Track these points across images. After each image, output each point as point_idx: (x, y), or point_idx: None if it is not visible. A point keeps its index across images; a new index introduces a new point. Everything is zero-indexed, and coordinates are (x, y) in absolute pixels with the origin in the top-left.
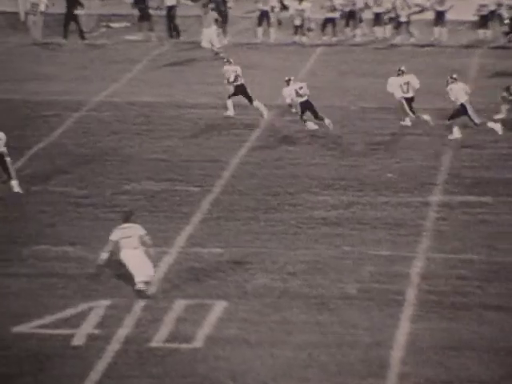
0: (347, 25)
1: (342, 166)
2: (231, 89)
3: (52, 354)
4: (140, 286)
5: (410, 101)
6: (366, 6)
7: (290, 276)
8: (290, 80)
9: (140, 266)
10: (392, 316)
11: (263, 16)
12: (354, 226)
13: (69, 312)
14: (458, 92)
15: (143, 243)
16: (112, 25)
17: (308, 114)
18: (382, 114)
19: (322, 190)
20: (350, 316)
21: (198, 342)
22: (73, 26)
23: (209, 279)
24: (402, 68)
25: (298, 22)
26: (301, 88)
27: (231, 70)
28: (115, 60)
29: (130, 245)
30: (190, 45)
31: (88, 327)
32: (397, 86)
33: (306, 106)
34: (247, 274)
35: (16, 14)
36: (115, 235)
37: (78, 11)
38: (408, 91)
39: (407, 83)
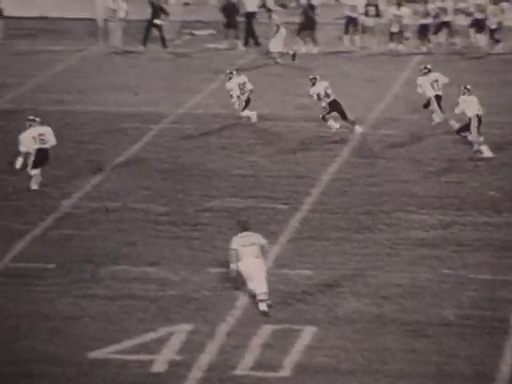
0: (437, 32)
1: (440, 182)
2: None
3: (131, 381)
4: (263, 308)
5: (439, 98)
6: (466, 12)
7: (383, 300)
8: (315, 79)
9: (260, 279)
10: (495, 345)
11: (350, 23)
12: (453, 247)
13: (148, 337)
14: (470, 104)
15: (263, 253)
16: (195, 32)
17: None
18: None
19: (419, 208)
20: (448, 344)
21: (285, 371)
22: (154, 32)
23: (297, 303)
24: (428, 66)
25: (395, 29)
26: (327, 87)
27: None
28: (198, 69)
29: (252, 253)
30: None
31: (169, 353)
32: (427, 85)
33: (335, 106)
34: (338, 297)
35: (93, 20)
36: (236, 243)
37: (160, 21)
38: (438, 89)
39: (436, 81)
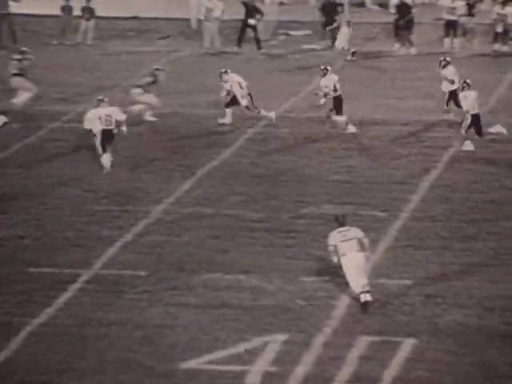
0: None
1: None
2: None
3: None
4: (366, 298)
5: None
6: None
7: (487, 312)
8: (326, 70)
9: (362, 273)
10: None
11: (449, 26)
12: None
13: (242, 347)
14: (469, 100)
15: (362, 247)
16: (291, 32)
17: None
18: None
19: None
20: None
21: None
22: (249, 33)
23: (396, 314)
24: (448, 58)
25: (499, 29)
26: (337, 82)
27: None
28: (294, 71)
29: (353, 248)
30: (375, 54)
31: (263, 364)
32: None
33: (338, 102)
34: (439, 308)
35: (187, 20)
36: (334, 239)
37: (254, 21)
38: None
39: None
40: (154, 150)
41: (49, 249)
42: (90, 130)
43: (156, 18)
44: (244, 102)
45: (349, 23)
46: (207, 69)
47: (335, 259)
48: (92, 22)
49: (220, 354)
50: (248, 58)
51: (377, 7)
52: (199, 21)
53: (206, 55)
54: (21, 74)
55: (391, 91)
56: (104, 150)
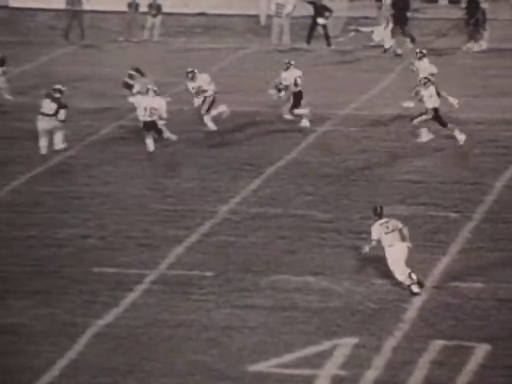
0: None
1: None
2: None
3: None
4: (418, 290)
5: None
6: None
7: None
8: (290, 64)
9: (404, 263)
10: None
11: None
12: None
13: (311, 350)
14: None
15: (403, 237)
16: (362, 29)
17: None
18: None
19: None
20: None
21: None
22: (319, 30)
23: (468, 318)
24: (423, 51)
25: None
26: (299, 77)
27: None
28: (364, 68)
29: (397, 238)
30: (447, 51)
31: (332, 368)
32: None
33: (298, 97)
34: None
35: (256, 17)
36: (377, 232)
37: (323, 20)
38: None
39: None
40: (223, 149)
41: (113, 249)
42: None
43: (223, 15)
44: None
45: (388, 18)
46: (275, 66)
47: (366, 249)
48: (158, 19)
49: (288, 358)
50: (317, 55)
51: (447, 3)
52: (268, 17)
53: (274, 52)
54: None
55: (465, 89)
56: (148, 132)
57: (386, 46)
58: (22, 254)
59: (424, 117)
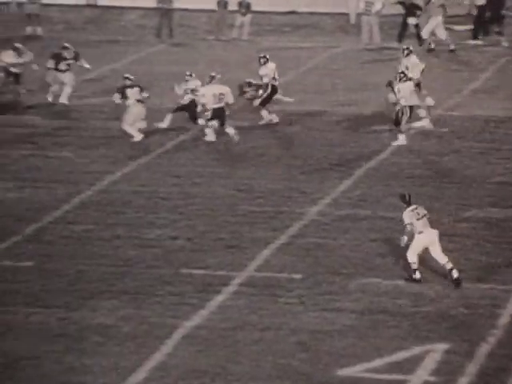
0: None
1: None
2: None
3: None
4: (457, 274)
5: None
6: None
7: None
8: (266, 58)
9: (440, 249)
10: None
11: None
12: None
13: (401, 355)
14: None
15: (430, 224)
16: (454, 27)
17: None
18: None
19: None
20: None
21: None
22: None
23: None
24: (410, 47)
25: None
26: (275, 70)
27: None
28: (456, 68)
29: (427, 225)
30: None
31: (423, 374)
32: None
33: (274, 91)
34: None
35: (345, 15)
36: (409, 217)
37: (414, 20)
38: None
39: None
40: (311, 150)
41: (201, 250)
42: (203, 105)
43: (313, 13)
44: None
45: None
46: (366, 65)
47: (405, 238)
48: (248, 17)
49: (378, 362)
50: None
51: None
52: (358, 15)
53: (364, 51)
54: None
55: None
56: (212, 119)
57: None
58: (110, 254)
59: (405, 118)
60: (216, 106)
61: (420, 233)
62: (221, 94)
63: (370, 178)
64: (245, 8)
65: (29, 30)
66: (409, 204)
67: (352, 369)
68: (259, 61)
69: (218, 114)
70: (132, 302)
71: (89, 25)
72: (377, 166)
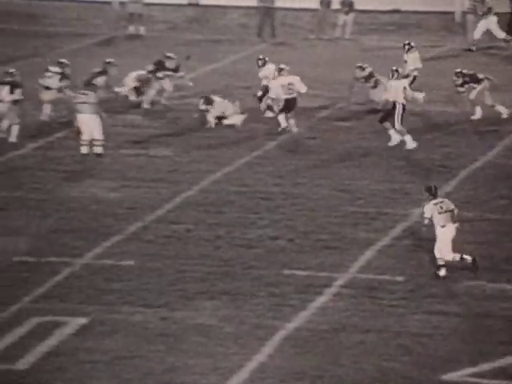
0: None
1: None
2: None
3: None
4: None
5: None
6: None
7: None
8: (265, 61)
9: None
10: None
11: None
12: None
13: (507, 360)
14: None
15: (453, 219)
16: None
17: None
18: None
19: None
20: None
21: None
22: None
23: None
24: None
25: None
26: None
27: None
28: None
29: (449, 219)
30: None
31: None
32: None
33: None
34: None
35: (451, 13)
36: (430, 210)
37: None
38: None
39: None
40: (412, 150)
41: (303, 251)
42: (273, 99)
43: (418, 12)
44: None
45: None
46: (470, 65)
47: (424, 230)
48: (351, 16)
49: (484, 367)
50: None
51: None
52: (463, 14)
53: (467, 52)
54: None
55: None
56: (282, 112)
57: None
58: (211, 254)
59: (397, 115)
60: (288, 96)
61: (442, 227)
62: (289, 83)
63: (474, 179)
64: (347, 7)
65: (131, 29)
66: (434, 196)
67: (457, 373)
68: (257, 62)
69: (290, 105)
70: (233, 302)
71: (191, 24)
72: (482, 167)
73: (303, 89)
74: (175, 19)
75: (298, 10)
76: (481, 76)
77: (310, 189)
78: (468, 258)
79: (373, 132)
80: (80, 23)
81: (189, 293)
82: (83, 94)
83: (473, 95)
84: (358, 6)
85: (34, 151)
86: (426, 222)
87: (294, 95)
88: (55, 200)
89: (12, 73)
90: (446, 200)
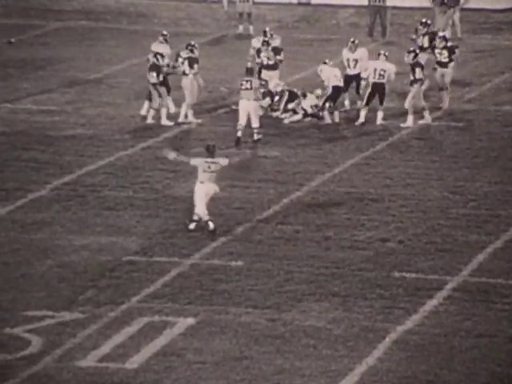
0: None
1: None
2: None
3: None
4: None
5: None
6: None
7: None
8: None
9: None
10: None
11: None
12: None
13: None
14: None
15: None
16: None
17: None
18: None
19: None
20: None
21: None
22: None
23: None
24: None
25: None
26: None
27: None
28: None
29: (208, 179)
30: None
31: None
32: None
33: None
34: None
35: None
36: (197, 162)
37: None
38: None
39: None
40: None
41: (413, 253)
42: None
43: None
44: None
45: None
46: None
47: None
48: (457, 15)
49: None
50: None
51: None
52: None
53: None
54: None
55: None
56: (367, 103)
57: None
58: (319, 255)
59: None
60: (376, 81)
61: (201, 183)
62: (382, 69)
63: None
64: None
65: (240, 28)
66: (212, 155)
67: None
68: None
69: (377, 90)
70: (342, 304)
71: (301, 23)
72: None
73: (393, 77)
74: (285, 18)
75: (410, 8)
76: None
77: (420, 190)
78: (211, 225)
79: (485, 133)
80: (190, 22)
81: (297, 294)
82: (247, 80)
83: None
84: (471, 4)
85: (143, 151)
86: (174, 156)
87: (383, 81)
88: (164, 200)
89: (193, 46)
90: (218, 164)
